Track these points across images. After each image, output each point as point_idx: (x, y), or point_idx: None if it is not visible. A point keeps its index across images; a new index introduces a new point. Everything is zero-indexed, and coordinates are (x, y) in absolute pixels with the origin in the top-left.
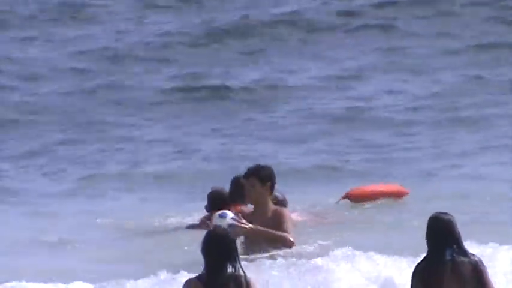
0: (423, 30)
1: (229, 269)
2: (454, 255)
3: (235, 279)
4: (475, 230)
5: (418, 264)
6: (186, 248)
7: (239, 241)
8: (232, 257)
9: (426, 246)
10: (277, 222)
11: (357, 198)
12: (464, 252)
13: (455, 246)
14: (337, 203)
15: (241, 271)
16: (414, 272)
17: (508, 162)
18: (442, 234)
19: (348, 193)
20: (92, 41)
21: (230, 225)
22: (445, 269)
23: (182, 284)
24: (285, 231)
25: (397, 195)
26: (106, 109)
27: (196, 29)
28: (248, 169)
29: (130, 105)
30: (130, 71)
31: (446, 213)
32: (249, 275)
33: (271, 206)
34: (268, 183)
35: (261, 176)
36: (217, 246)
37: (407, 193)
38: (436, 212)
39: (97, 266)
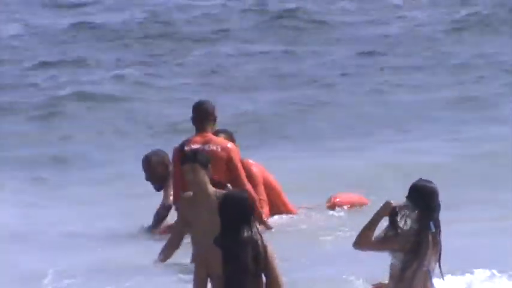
0: None
1: (246, 232)
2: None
3: (252, 243)
4: None
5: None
6: None
7: None
8: (248, 219)
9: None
10: None
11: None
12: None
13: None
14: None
15: (257, 235)
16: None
17: None
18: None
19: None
20: None
21: None
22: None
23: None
24: None
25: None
26: None
27: None
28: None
29: None
30: None
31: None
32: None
33: None
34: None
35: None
36: (234, 208)
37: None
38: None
39: None
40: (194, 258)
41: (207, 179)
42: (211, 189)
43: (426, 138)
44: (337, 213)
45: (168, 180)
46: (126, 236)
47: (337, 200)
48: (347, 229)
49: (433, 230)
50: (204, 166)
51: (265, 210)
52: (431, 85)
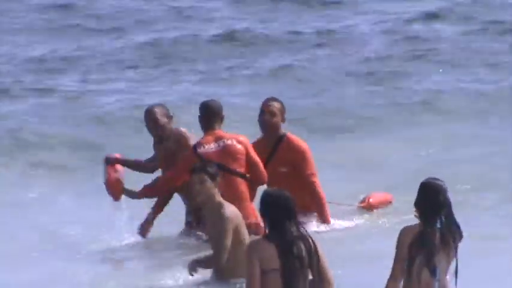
0: None
1: (293, 228)
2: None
3: (303, 239)
4: None
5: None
6: None
7: None
8: (292, 215)
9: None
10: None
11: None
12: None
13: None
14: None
15: (306, 231)
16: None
17: None
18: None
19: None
20: None
21: None
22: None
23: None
24: None
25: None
26: None
27: None
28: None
29: None
30: None
31: (437, 179)
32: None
33: None
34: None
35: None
36: (277, 206)
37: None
38: (429, 178)
39: None
40: (247, 255)
41: (214, 191)
42: (217, 201)
43: None
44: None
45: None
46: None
47: (371, 200)
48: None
49: (439, 226)
50: (212, 177)
51: None
52: None
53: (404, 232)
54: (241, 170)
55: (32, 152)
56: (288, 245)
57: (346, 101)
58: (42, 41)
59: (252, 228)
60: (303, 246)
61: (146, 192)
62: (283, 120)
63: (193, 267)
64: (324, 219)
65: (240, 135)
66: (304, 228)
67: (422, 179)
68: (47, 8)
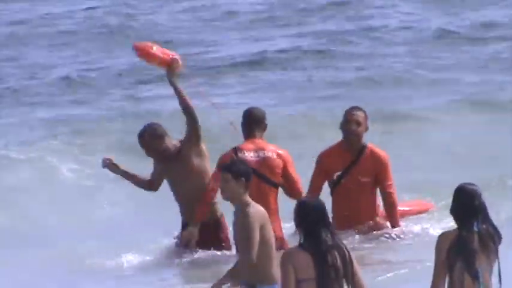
0: None
1: (327, 237)
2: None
3: (337, 248)
4: None
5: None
6: None
7: None
8: (326, 224)
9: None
10: None
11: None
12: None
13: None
14: None
15: (339, 240)
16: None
17: None
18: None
19: None
20: None
21: None
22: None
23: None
24: None
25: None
26: None
27: None
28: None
29: None
30: None
31: (471, 184)
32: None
33: None
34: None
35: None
36: (312, 214)
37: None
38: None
39: None
40: (281, 264)
41: (240, 191)
42: (243, 200)
43: None
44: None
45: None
46: None
47: (405, 209)
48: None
49: (476, 229)
50: (236, 177)
51: None
52: None
53: (442, 238)
54: (277, 180)
55: None
56: (323, 254)
57: None
58: None
59: (277, 241)
60: (337, 255)
61: (202, 211)
62: (366, 129)
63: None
64: (395, 225)
65: (281, 148)
66: (338, 237)
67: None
68: None
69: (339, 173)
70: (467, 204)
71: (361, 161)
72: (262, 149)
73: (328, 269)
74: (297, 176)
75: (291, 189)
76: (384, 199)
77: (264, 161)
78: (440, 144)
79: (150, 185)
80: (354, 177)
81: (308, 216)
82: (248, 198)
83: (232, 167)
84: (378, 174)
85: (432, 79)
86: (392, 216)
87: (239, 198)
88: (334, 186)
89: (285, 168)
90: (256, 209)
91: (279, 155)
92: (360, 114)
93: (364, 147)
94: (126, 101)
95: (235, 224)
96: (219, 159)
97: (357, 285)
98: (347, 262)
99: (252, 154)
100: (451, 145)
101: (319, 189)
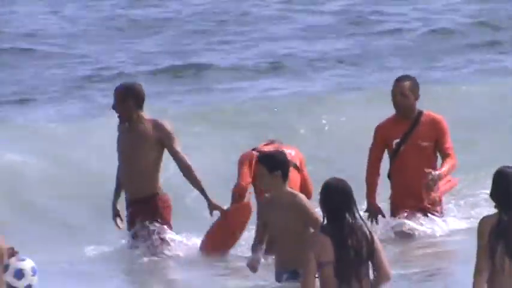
0: None
1: (350, 219)
2: None
3: (360, 229)
4: None
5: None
6: None
7: None
8: (350, 206)
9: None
10: None
11: None
12: None
13: None
14: None
15: (363, 223)
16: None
17: None
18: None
19: None
20: None
21: None
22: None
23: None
24: None
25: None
26: None
27: None
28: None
29: None
30: None
31: (510, 167)
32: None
33: None
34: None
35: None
36: (336, 195)
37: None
38: (502, 166)
39: None
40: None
41: (277, 183)
42: (286, 191)
43: None
44: None
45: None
46: None
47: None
48: None
49: None
50: (270, 170)
51: None
52: None
53: (482, 222)
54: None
55: None
56: (344, 238)
57: None
58: None
59: None
60: (359, 238)
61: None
62: (416, 98)
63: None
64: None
65: (295, 148)
66: (362, 220)
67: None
68: None
69: (397, 140)
70: (505, 188)
71: (420, 126)
72: (281, 147)
73: (348, 252)
74: (308, 175)
75: (306, 187)
76: (444, 162)
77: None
78: None
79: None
80: (414, 142)
81: (331, 198)
82: (288, 188)
83: (266, 160)
84: (438, 138)
85: None
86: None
87: (278, 190)
88: (393, 155)
89: (301, 165)
90: (304, 196)
91: (296, 153)
92: (404, 85)
93: (420, 113)
94: None
95: (276, 211)
96: (241, 156)
97: (380, 271)
98: (369, 245)
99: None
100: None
101: (379, 160)
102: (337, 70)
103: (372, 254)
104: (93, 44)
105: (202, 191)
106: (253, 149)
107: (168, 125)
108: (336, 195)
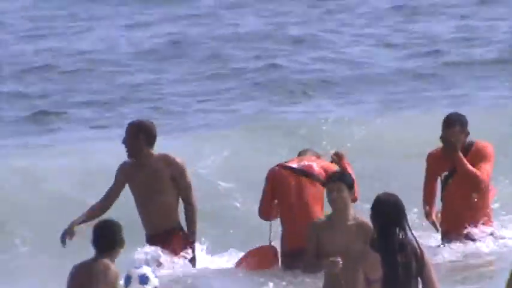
0: None
1: (400, 235)
2: None
3: (410, 246)
4: None
5: None
6: None
7: None
8: (401, 222)
9: None
10: None
11: None
12: None
13: None
14: None
15: (413, 238)
16: None
17: None
18: None
19: None
20: None
21: None
22: None
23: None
24: None
25: None
26: None
27: None
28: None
29: None
30: None
31: None
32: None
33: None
34: None
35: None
36: (386, 210)
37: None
38: None
39: None
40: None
41: (349, 201)
42: (351, 211)
43: None
44: None
45: None
46: None
47: None
48: None
49: None
50: (349, 187)
51: None
52: None
53: None
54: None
55: None
56: (394, 253)
57: None
58: None
59: None
60: (409, 254)
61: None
62: (465, 135)
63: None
64: None
65: (320, 160)
66: (413, 235)
67: None
68: None
69: (445, 173)
70: None
71: (467, 160)
72: (302, 160)
73: (397, 269)
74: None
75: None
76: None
77: (306, 168)
78: None
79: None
80: (460, 175)
81: (382, 213)
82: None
83: (345, 177)
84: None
85: None
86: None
87: (349, 209)
88: (442, 185)
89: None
90: None
91: (319, 165)
92: (455, 131)
93: (470, 145)
94: None
95: (343, 231)
96: (267, 173)
97: (429, 285)
98: (419, 261)
99: (295, 164)
100: None
101: (432, 189)
102: None
103: (421, 270)
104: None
105: (193, 234)
106: (278, 165)
107: (180, 160)
108: (387, 210)
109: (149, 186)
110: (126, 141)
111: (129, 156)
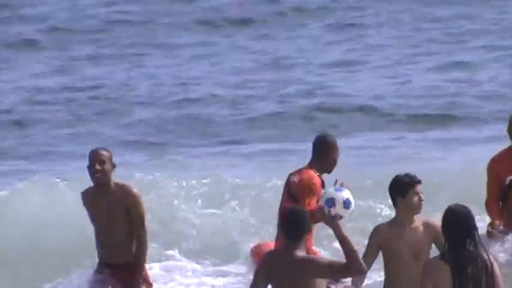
0: None
1: (471, 247)
2: None
3: (481, 258)
4: None
5: None
6: None
7: None
8: (472, 234)
9: None
10: None
11: None
12: None
13: None
14: None
15: (484, 251)
16: None
17: None
18: None
19: None
20: None
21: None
22: None
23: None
24: None
25: None
26: None
27: None
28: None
29: None
30: None
31: None
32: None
33: None
34: None
35: None
36: (458, 222)
37: None
38: None
39: None
40: (422, 276)
41: None
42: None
43: None
44: None
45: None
46: None
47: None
48: None
49: None
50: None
51: None
52: None
53: None
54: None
55: None
56: (463, 267)
57: None
58: None
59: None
60: (480, 267)
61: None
62: None
63: None
64: None
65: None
66: (484, 247)
67: None
68: None
69: (510, 178)
70: None
71: None
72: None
73: (467, 282)
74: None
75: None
76: None
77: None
78: None
79: None
80: None
81: (452, 224)
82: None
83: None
84: None
85: None
86: None
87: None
88: (506, 192)
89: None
90: None
91: (299, 181)
92: None
93: None
94: None
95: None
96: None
97: None
98: (489, 274)
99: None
100: None
101: (496, 196)
102: None
103: (491, 283)
104: None
105: (140, 269)
106: (291, 173)
107: (135, 190)
108: (454, 222)
109: (110, 216)
110: (93, 167)
111: (96, 183)
